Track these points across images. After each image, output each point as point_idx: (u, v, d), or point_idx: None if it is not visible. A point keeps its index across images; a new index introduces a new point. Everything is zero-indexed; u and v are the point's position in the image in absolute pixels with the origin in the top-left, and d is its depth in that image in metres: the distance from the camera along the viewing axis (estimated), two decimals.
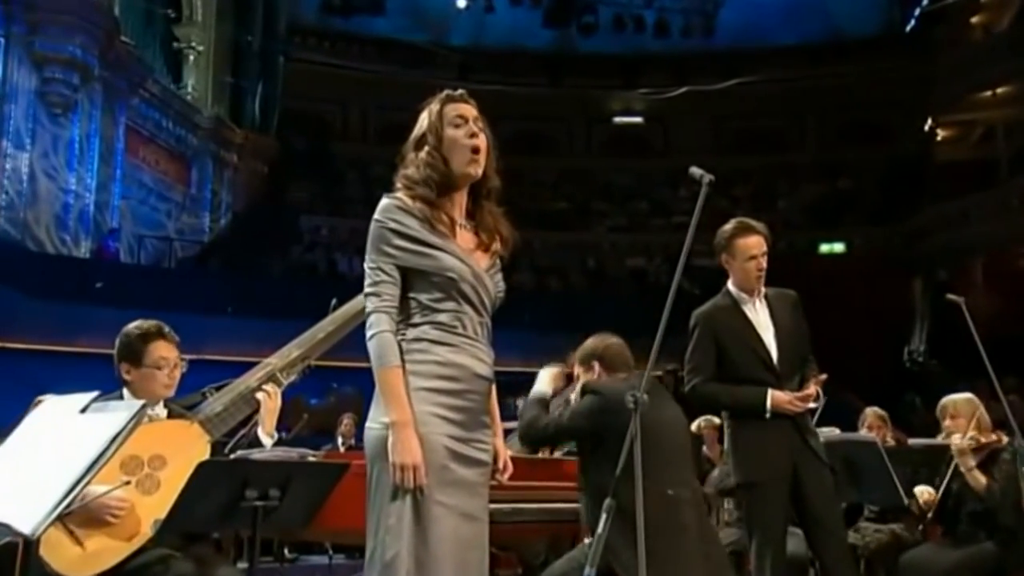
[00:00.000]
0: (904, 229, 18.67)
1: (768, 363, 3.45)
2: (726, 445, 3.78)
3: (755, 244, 3.51)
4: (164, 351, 3.04)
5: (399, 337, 2.23)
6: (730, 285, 3.59)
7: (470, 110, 2.37)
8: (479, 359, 2.27)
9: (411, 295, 2.25)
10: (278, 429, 9.03)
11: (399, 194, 2.30)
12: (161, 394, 3.04)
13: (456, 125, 2.32)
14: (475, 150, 2.31)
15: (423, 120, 2.36)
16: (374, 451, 2.21)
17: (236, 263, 17.13)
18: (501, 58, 22.68)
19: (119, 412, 1.74)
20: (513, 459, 3.49)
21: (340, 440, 8.36)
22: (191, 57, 19.01)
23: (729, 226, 3.58)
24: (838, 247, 19.39)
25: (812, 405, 3.48)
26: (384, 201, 2.30)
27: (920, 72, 20.43)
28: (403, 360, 2.20)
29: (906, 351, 14.79)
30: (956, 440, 4.02)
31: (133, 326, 3.09)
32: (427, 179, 2.28)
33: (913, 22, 21.69)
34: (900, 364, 14.68)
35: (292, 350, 3.28)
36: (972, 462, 3.94)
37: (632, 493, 2.97)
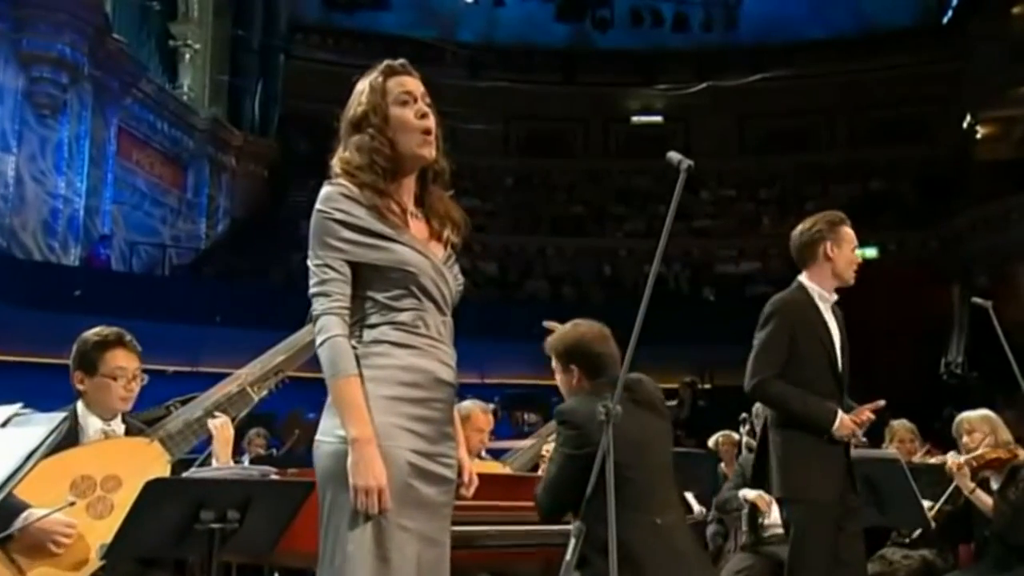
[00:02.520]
0: (941, 233, 18.45)
1: (837, 375, 3.42)
2: (773, 456, 3.60)
3: (854, 235, 3.57)
4: (122, 360, 2.97)
5: (354, 340, 2.10)
6: (807, 281, 3.52)
7: (417, 84, 2.22)
8: (443, 363, 2.14)
9: (367, 293, 2.11)
10: (271, 444, 8.89)
11: (342, 180, 2.15)
12: (116, 407, 2.96)
13: (403, 103, 2.18)
14: (426, 131, 2.17)
15: (362, 97, 2.20)
16: (328, 469, 2.07)
17: (233, 271, 17.16)
18: (513, 55, 22.69)
19: (38, 426, 1.65)
20: (501, 478, 3.43)
21: None
22: (187, 55, 19.09)
23: (824, 216, 3.59)
24: (870, 252, 19.11)
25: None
26: (326, 189, 2.14)
27: (957, 66, 20.25)
28: (360, 367, 2.08)
29: (943, 363, 14.59)
30: (951, 458, 3.93)
31: (91, 332, 3.03)
32: (372, 164, 2.14)
33: (950, 13, 21.51)
34: (937, 377, 14.48)
35: (265, 362, 3.20)
36: (972, 483, 3.87)
37: (625, 525, 2.86)
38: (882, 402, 3.37)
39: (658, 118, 23.11)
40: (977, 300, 4.24)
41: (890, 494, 3.75)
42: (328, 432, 2.08)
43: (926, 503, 4.05)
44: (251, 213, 19.80)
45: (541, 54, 22.85)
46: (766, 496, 4.57)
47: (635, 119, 23.23)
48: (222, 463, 3.10)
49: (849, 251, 3.52)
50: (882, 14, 22.23)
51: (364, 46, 22.55)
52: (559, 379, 3.18)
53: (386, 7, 22.54)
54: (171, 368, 11.16)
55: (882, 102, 21.51)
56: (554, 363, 3.18)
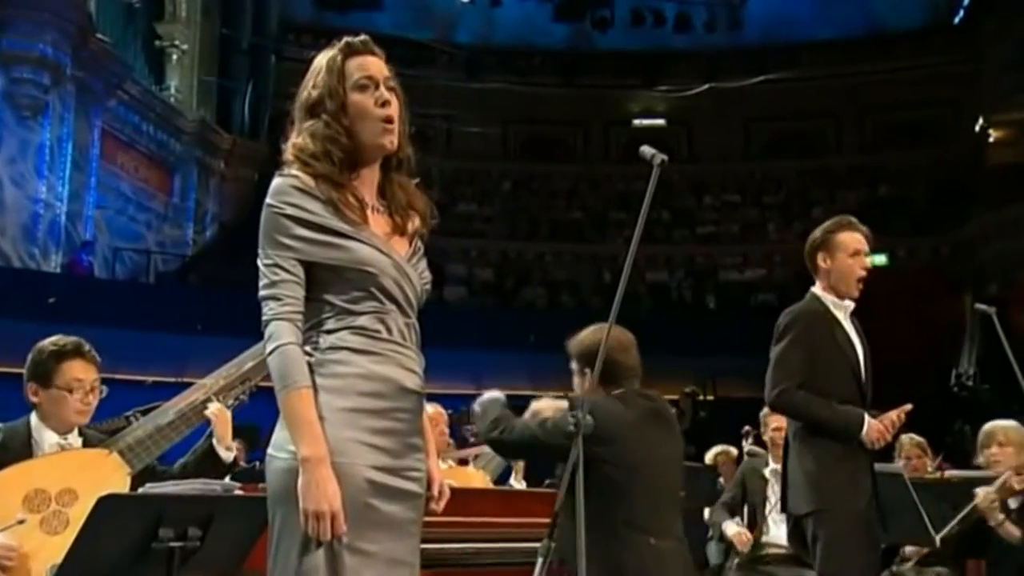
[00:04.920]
0: (952, 239, 18.42)
1: (860, 384, 3.41)
2: (794, 468, 3.54)
3: (859, 240, 3.49)
4: (79, 372, 2.91)
5: (309, 347, 1.99)
6: (819, 291, 3.53)
7: (379, 66, 2.10)
8: (408, 369, 2.04)
9: (323, 296, 2.01)
10: (253, 457, 8.82)
11: (295, 171, 2.03)
12: (73, 421, 2.91)
13: (362, 87, 2.06)
14: (388, 120, 2.06)
15: (319, 78, 2.08)
16: (279, 487, 1.95)
17: (221, 278, 17.09)
18: (511, 56, 22.70)
19: None
20: (478, 493, 3.36)
21: None
22: (174, 56, 19.07)
23: (826, 224, 3.57)
24: (879, 259, 19.07)
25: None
26: (277, 181, 2.02)
27: (969, 68, 20.25)
28: (315, 376, 1.96)
29: (954, 374, 14.49)
30: (980, 494, 3.85)
31: (48, 341, 2.97)
32: (327, 154, 2.02)
33: (961, 13, 21.50)
34: (947, 388, 14.39)
35: (231, 370, 3.14)
36: (1001, 516, 3.80)
37: (621, 542, 2.84)
38: (909, 406, 3.35)
39: (660, 121, 23.09)
40: (980, 306, 4.18)
41: (893, 510, 3.69)
42: (280, 447, 1.98)
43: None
44: (240, 218, 19.71)
45: (540, 55, 22.85)
46: (745, 534, 4.78)
47: (636, 122, 23.21)
48: (225, 444, 3.07)
49: (845, 259, 3.46)
50: (891, 14, 22.23)
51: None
52: (575, 382, 3.22)
53: (380, 7, 22.55)
54: (150, 378, 11.13)
55: (891, 105, 21.49)
56: (573, 364, 3.22)
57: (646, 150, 2.35)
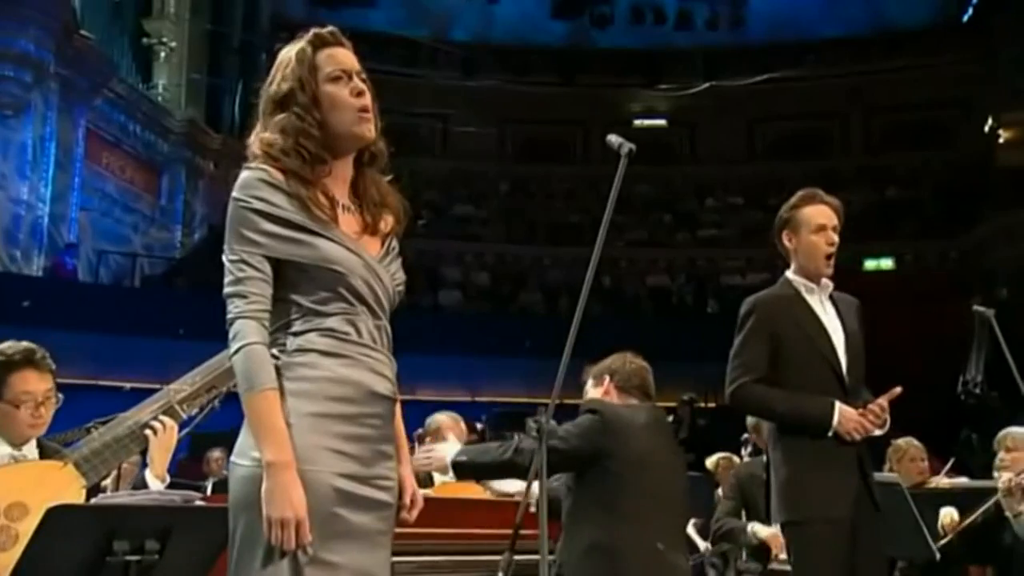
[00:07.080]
0: (961, 243, 18.39)
1: (837, 371, 3.19)
2: (772, 477, 3.40)
3: (824, 213, 3.28)
4: (31, 384, 2.81)
5: (276, 349, 1.97)
6: (790, 273, 3.34)
7: (350, 58, 2.10)
8: (378, 373, 2.02)
9: (291, 296, 1.99)
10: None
11: (263, 165, 2.01)
12: (26, 435, 2.83)
13: (335, 79, 2.06)
14: (363, 109, 2.05)
15: (288, 70, 2.07)
16: (242, 495, 1.92)
17: (210, 282, 17.02)
18: (509, 54, 22.71)
19: None
20: (454, 503, 3.31)
21: None
22: (162, 54, 19.07)
23: (791, 200, 3.37)
24: (886, 263, 19.14)
25: (877, 432, 3.19)
26: (245, 174, 2.00)
27: (979, 67, 20.23)
28: (282, 380, 1.94)
29: (961, 381, 14.45)
30: (1004, 479, 3.84)
31: None
32: (298, 148, 2.01)
33: (970, 11, 21.52)
34: (954, 396, 14.35)
35: (195, 377, 3.07)
36: (1021, 507, 3.75)
37: (622, 535, 2.98)
38: (898, 389, 3.14)
39: (661, 121, 23.08)
40: (979, 308, 4.11)
41: (890, 522, 3.61)
42: (243, 453, 1.96)
43: (950, 511, 4.03)
44: None
45: (538, 54, 22.86)
46: (781, 536, 4.20)
47: (637, 122, 23.16)
48: (156, 473, 2.98)
49: (808, 235, 3.26)
50: (899, 12, 22.24)
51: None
52: (590, 394, 3.38)
53: (374, 4, 22.60)
54: (128, 384, 11.06)
55: (899, 105, 21.49)
56: (588, 384, 3.44)
57: (613, 139, 2.32)
